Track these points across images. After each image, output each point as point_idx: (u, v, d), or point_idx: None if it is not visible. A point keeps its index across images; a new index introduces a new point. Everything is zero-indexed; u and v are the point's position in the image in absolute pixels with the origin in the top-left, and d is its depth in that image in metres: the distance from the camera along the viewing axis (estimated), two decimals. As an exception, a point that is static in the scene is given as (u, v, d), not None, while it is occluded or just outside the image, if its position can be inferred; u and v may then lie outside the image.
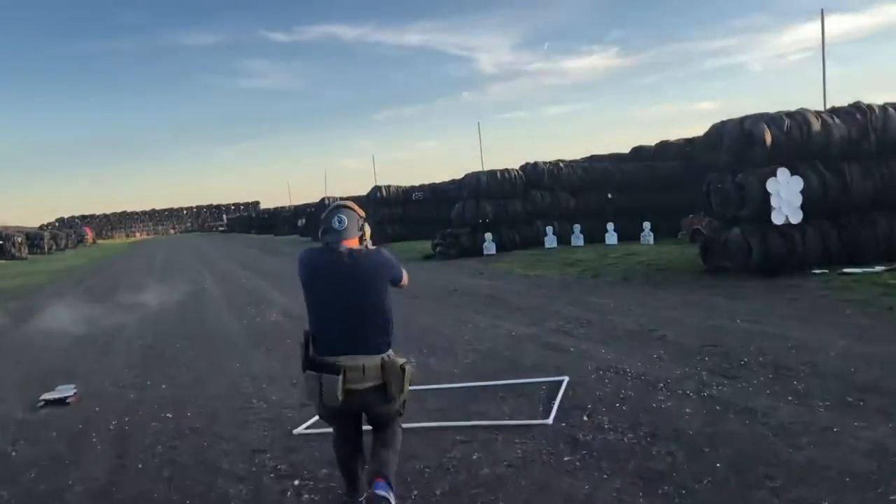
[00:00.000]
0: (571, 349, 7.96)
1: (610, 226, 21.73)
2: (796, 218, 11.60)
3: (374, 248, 4.01)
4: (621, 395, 6.05)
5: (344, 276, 3.79)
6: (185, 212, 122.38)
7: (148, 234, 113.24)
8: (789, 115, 11.84)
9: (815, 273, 11.49)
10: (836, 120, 11.85)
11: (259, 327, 11.77)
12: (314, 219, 44.93)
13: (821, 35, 14.40)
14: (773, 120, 11.71)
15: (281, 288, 17.50)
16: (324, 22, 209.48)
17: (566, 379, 6.63)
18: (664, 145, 26.46)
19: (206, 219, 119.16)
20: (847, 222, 11.94)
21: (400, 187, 37.32)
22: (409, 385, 3.92)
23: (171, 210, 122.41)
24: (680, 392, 5.98)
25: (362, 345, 3.74)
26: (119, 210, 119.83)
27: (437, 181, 35.63)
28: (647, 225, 21.07)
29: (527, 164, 23.20)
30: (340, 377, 3.64)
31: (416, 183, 37.34)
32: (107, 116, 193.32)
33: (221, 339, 10.95)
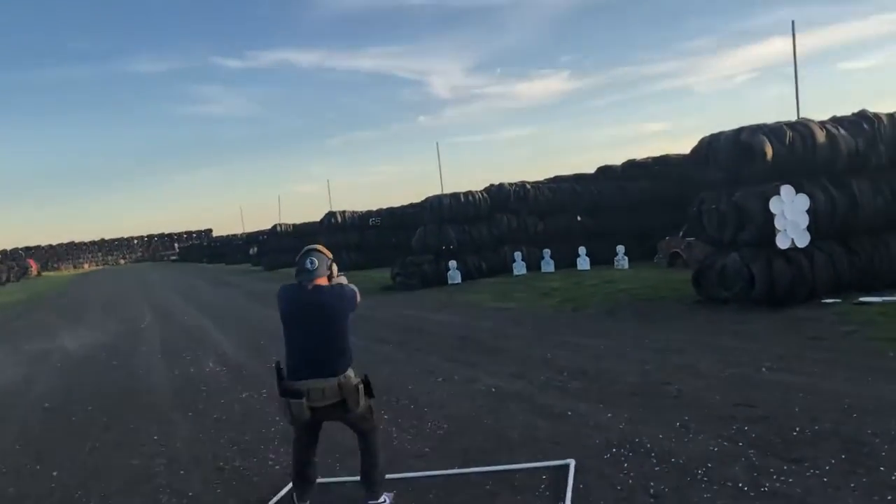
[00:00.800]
0: (569, 413, 6.43)
1: (582, 250, 20.35)
2: (803, 241, 10.29)
3: (336, 283, 4.61)
4: (651, 490, 4.52)
5: (312, 311, 4.44)
6: (135, 241, 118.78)
7: (97, 265, 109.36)
8: (791, 125, 10.58)
9: (826, 303, 10.17)
10: (842, 131, 10.62)
11: (192, 380, 10.05)
12: (266, 247, 42.95)
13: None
14: (773, 131, 10.42)
15: (224, 328, 15.72)
16: (277, 48, 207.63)
17: (572, 463, 5.09)
18: (632, 164, 25.28)
19: (157, 248, 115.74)
20: (857, 245, 10.68)
21: (356, 212, 35.67)
22: (367, 396, 4.57)
23: (121, 240, 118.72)
24: (729, 484, 4.48)
25: (324, 369, 4.40)
26: (66, 240, 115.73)
27: (395, 205, 34.03)
28: (620, 248, 19.74)
29: (491, 185, 21.77)
30: (304, 400, 4.35)
31: (373, 207, 35.74)
32: (55, 145, 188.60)
33: (144, 396, 9.21)
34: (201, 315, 19.30)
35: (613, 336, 9.88)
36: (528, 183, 22.26)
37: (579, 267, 20.23)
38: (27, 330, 20.34)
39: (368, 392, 4.56)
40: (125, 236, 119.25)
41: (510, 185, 21.63)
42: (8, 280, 75.38)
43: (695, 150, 11.58)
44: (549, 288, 16.13)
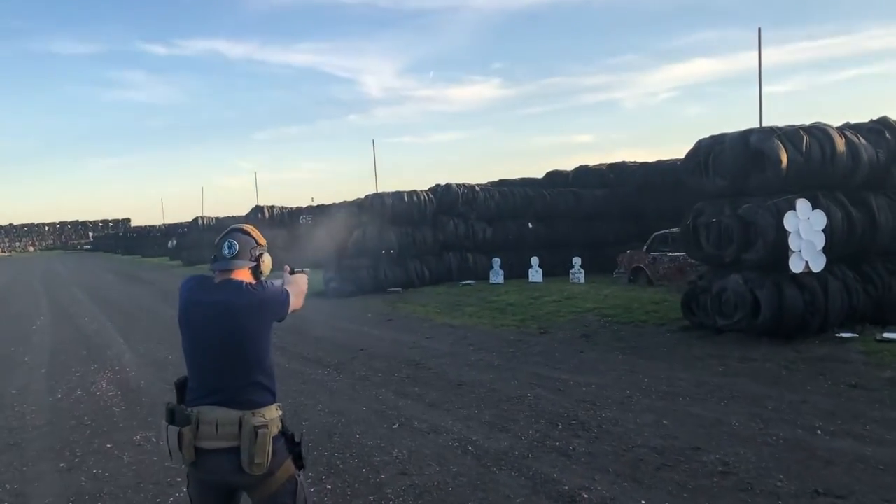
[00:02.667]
0: (585, 495, 4.68)
1: (534, 261, 18.71)
2: (818, 265, 8.85)
3: (257, 281, 3.17)
4: None
5: (217, 313, 3.02)
6: (47, 227, 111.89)
7: (2, 251, 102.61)
8: (807, 130, 9.13)
9: (842, 338, 8.75)
10: (861, 140, 9.23)
11: (75, 409, 7.95)
12: (186, 240, 40.07)
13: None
14: (788, 135, 8.95)
15: (128, 335, 13.44)
16: (206, 37, 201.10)
17: None
18: (584, 170, 23.92)
19: (70, 236, 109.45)
20: (872, 271, 9.31)
21: (285, 208, 33.34)
22: (294, 463, 3.07)
23: (31, 225, 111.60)
24: None
25: (227, 396, 2.99)
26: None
27: (327, 203, 31.83)
28: (577, 261, 18.20)
29: (437, 185, 19.95)
30: (184, 430, 2.94)
31: (303, 204, 33.47)
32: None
33: (4, 435, 7.04)
34: (105, 317, 16.87)
35: (601, 372, 8.21)
36: (478, 185, 20.54)
37: (531, 279, 18.61)
38: None
39: (296, 458, 3.08)
40: (36, 222, 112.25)
41: (458, 186, 19.87)
42: None
43: (690, 155, 10.05)
44: (503, 303, 14.40)
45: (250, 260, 3.14)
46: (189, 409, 2.97)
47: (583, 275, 18.02)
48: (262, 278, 3.21)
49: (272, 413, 3.02)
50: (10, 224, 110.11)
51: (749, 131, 9.21)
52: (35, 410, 8.02)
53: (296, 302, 3.27)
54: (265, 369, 3.07)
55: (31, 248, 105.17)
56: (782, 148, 8.82)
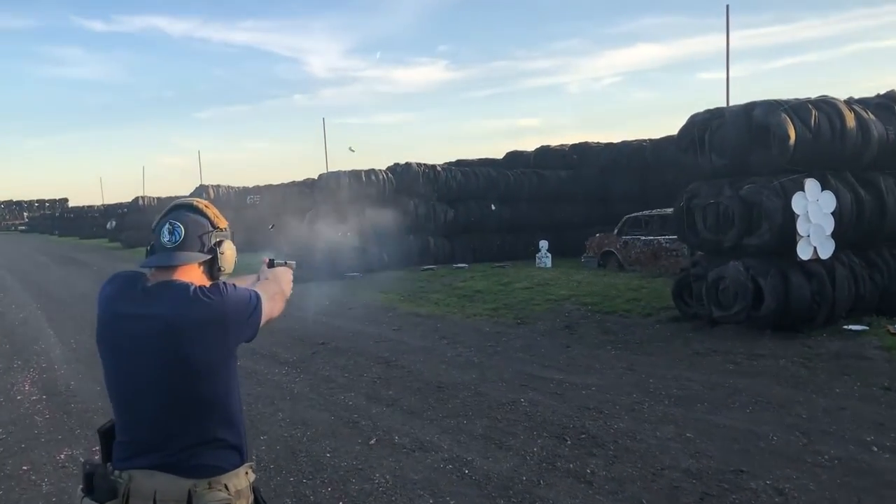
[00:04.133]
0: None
1: (544, 244, 17.60)
2: (826, 251, 8.13)
3: (212, 284, 2.13)
4: None
5: (152, 334, 1.99)
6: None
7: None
8: (815, 104, 8.36)
9: (851, 330, 8.05)
10: (871, 115, 8.51)
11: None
12: (126, 221, 38.12)
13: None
14: (795, 109, 8.16)
15: (60, 324, 12.13)
16: (147, 13, 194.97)
17: None
18: (545, 151, 23.08)
19: (4, 216, 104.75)
20: (878, 257, 8.64)
21: (231, 188, 31.78)
22: None
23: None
24: None
25: (172, 457, 2.00)
26: None
27: (275, 183, 30.40)
28: (544, 244, 17.35)
29: (396, 164, 18.86)
30: None
31: (249, 184, 31.97)
32: None
33: None
34: (35, 303, 15.40)
35: (598, 371, 7.34)
36: (439, 165, 19.50)
37: (495, 263, 17.70)
38: None
39: None
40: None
41: (418, 165, 18.82)
42: None
43: (684, 131, 9.21)
44: (470, 290, 13.46)
45: (202, 250, 2.13)
46: (116, 474, 1.99)
47: (549, 259, 17.20)
48: (221, 279, 2.20)
49: (239, 481, 2.06)
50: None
51: (752, 104, 8.40)
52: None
53: (271, 307, 2.28)
54: (228, 417, 2.08)
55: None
56: (790, 123, 8.03)
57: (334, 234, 17.08)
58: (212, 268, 2.16)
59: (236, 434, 2.07)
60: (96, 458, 2.13)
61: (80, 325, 11.97)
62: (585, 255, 16.63)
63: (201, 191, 30.16)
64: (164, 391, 1.98)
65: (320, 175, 18.43)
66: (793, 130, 8.02)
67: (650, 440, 5.26)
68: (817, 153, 8.20)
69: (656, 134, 24.50)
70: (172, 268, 2.08)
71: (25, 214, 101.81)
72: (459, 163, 24.02)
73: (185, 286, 2.03)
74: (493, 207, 19.48)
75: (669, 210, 14.61)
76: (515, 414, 6.03)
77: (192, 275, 2.11)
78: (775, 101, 8.31)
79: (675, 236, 13.96)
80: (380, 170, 18.34)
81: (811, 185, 8.02)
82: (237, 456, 2.06)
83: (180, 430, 1.99)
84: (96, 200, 69.18)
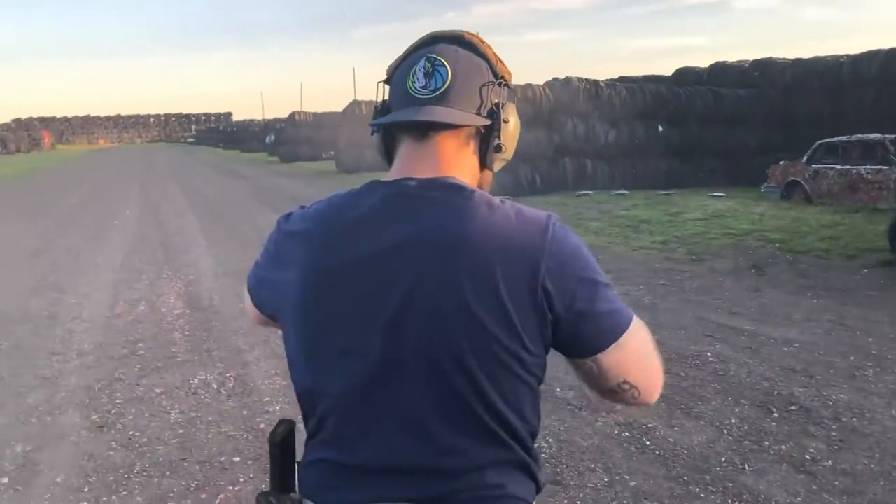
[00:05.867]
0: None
1: (666, 169, 16.15)
2: None
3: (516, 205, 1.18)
4: None
5: (413, 277, 1.11)
6: (152, 120, 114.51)
7: (112, 142, 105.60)
8: None
9: None
10: None
11: (130, 331, 6.55)
12: (283, 136, 38.98)
13: None
14: None
15: (213, 237, 12.13)
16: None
17: None
18: (721, 68, 20.90)
19: (174, 128, 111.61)
20: None
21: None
22: None
23: (137, 117, 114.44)
24: None
25: (445, 485, 1.12)
26: (82, 114, 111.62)
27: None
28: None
29: (555, 79, 17.55)
30: None
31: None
32: (74, 16, 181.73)
33: (42, 363, 5.66)
34: (193, 214, 15.71)
35: (799, 323, 6.11)
36: (602, 81, 18.00)
37: (662, 190, 16.24)
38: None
39: None
40: (142, 113, 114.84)
41: (579, 80, 17.42)
42: (17, 150, 72.36)
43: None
44: (634, 219, 12.25)
45: (480, 110, 1.22)
46: None
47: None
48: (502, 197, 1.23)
49: None
50: (119, 115, 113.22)
51: None
52: (86, 329, 6.66)
53: (643, 356, 1.24)
54: (528, 427, 1.19)
55: (138, 140, 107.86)
56: None
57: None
58: (485, 146, 1.25)
59: (535, 459, 1.22)
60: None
61: (228, 237, 11.95)
62: (766, 184, 14.82)
63: (355, 107, 30.04)
64: (431, 372, 1.13)
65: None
66: None
67: (886, 421, 4.12)
68: None
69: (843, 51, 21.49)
70: (428, 141, 1.21)
71: (193, 127, 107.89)
72: (622, 80, 22.26)
73: (460, 189, 1.17)
74: (661, 129, 17.85)
75: (874, 136, 12.65)
76: (702, 371, 5.02)
77: (458, 161, 1.23)
78: None
79: (881, 166, 12.09)
80: (537, 85, 17.13)
81: None
82: (534, 485, 1.22)
83: (458, 436, 1.14)
84: (257, 115, 72.04)
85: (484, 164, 1.25)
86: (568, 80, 17.36)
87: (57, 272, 9.35)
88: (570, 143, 17.11)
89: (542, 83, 17.42)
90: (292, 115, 39.66)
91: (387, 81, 1.28)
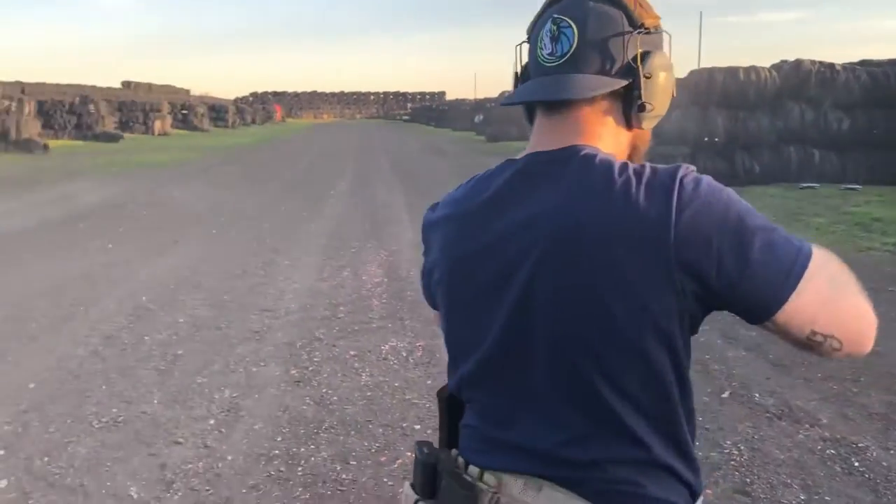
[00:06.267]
0: None
1: None
2: None
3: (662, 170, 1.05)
4: None
5: (543, 254, 1.05)
6: (371, 97, 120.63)
7: (334, 117, 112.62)
8: None
9: None
10: None
11: (334, 295, 6.95)
12: (492, 115, 39.47)
13: None
14: None
15: (414, 209, 12.52)
16: None
17: None
18: None
19: (391, 106, 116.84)
20: None
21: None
22: None
23: (358, 94, 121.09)
24: None
25: (578, 470, 1.06)
26: (309, 90, 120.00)
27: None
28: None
29: (784, 61, 16.22)
30: None
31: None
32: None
33: (254, 319, 6.13)
34: (400, 188, 16.36)
35: None
36: (838, 65, 16.38)
37: (898, 187, 14.54)
38: (219, 180, 18.64)
39: None
40: (362, 91, 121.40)
41: (811, 63, 15.98)
42: (253, 121, 79.19)
43: None
44: (865, 217, 11.04)
45: (610, 70, 1.10)
46: (474, 473, 1.14)
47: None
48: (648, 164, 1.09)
49: None
50: (342, 91, 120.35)
51: None
52: (295, 290, 7.13)
53: (841, 303, 1.05)
54: (670, 427, 1.07)
55: (358, 116, 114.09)
56: None
57: (699, 137, 15.39)
58: (627, 105, 1.12)
59: (686, 460, 1.11)
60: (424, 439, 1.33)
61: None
62: None
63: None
64: (558, 360, 1.07)
65: (691, 72, 16.59)
66: None
67: None
68: None
69: None
70: (559, 113, 1.13)
71: (408, 105, 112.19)
72: (864, 63, 20.11)
73: (595, 161, 1.07)
74: (905, 119, 15.94)
75: None
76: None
77: (595, 128, 1.13)
78: None
79: None
80: (762, 67, 15.93)
81: None
82: (685, 489, 1.10)
83: (589, 427, 1.07)
84: (469, 95, 73.39)
85: (630, 125, 1.14)
86: (798, 62, 15.97)
87: (274, 236, 10.08)
88: (796, 130, 15.75)
89: (768, 65, 16.19)
90: (502, 94, 40.01)
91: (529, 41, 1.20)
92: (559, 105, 1.13)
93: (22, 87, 33.63)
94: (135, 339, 5.52)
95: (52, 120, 33.31)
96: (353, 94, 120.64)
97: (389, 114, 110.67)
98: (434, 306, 1.30)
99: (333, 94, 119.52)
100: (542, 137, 1.15)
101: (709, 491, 3.30)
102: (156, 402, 4.37)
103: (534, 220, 1.06)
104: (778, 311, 1.00)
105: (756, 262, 0.98)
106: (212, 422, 4.11)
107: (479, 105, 49.29)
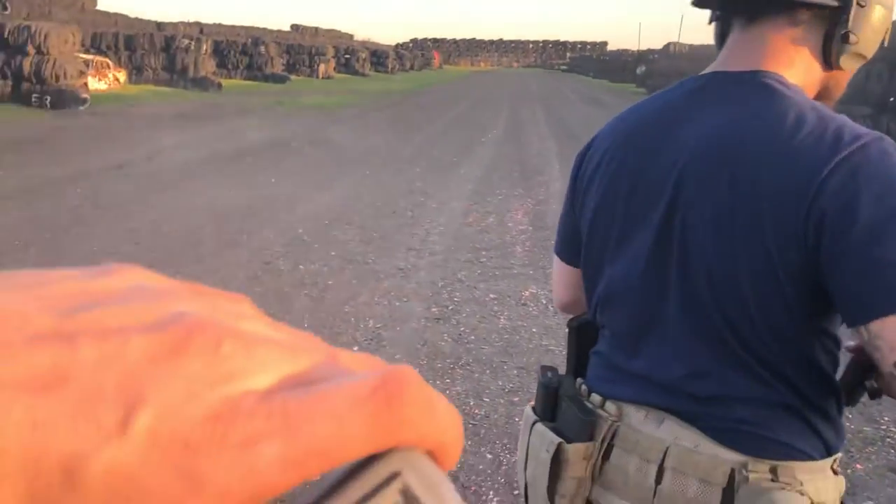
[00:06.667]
0: None
1: None
2: None
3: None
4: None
5: (706, 166, 1.00)
6: (530, 46, 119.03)
7: (491, 65, 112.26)
8: None
9: None
10: None
11: (477, 240, 7.04)
12: (655, 67, 37.99)
13: None
14: None
15: (565, 159, 12.37)
16: None
17: None
18: None
19: (550, 55, 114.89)
20: None
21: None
22: None
23: (517, 42, 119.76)
24: None
25: (706, 406, 1.04)
26: (468, 37, 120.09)
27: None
28: None
29: None
30: (574, 446, 1.09)
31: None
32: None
33: (400, 256, 6.35)
34: (551, 136, 16.20)
35: None
36: None
37: None
38: (356, 131, 19.13)
39: None
40: (521, 39, 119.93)
41: None
42: (412, 68, 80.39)
43: None
44: None
45: None
46: (595, 400, 1.15)
47: None
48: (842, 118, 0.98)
49: (825, 485, 1.04)
50: (501, 39, 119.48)
51: None
52: (440, 233, 7.28)
53: None
54: (809, 373, 1.03)
55: (515, 65, 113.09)
56: None
57: (884, 98, 14.13)
58: (829, 38, 1.02)
59: (821, 413, 1.05)
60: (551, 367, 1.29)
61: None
62: None
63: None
64: (694, 285, 1.03)
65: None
66: None
67: None
68: None
69: None
70: (756, 27, 1.05)
71: (568, 55, 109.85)
72: None
73: (766, 87, 1.01)
74: None
75: None
76: None
77: (788, 54, 1.04)
78: None
79: None
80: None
81: None
82: (815, 438, 1.05)
83: (714, 363, 1.04)
84: (632, 45, 70.96)
85: (830, 65, 1.03)
86: None
87: (425, 178, 10.29)
88: None
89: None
90: (667, 46, 38.42)
91: None
92: (757, 16, 1.04)
93: (200, 28, 35.78)
94: (290, 267, 5.87)
95: (225, 60, 35.26)
96: (512, 42, 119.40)
97: (547, 63, 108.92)
98: (569, 261, 1.30)
99: (492, 42, 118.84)
100: (730, 56, 1.09)
101: (859, 465, 3.14)
102: (306, 325, 4.64)
103: (690, 140, 1.03)
104: (876, 319, 0.89)
105: (880, 260, 0.87)
106: (356, 348, 4.32)
107: (643, 56, 47.53)
